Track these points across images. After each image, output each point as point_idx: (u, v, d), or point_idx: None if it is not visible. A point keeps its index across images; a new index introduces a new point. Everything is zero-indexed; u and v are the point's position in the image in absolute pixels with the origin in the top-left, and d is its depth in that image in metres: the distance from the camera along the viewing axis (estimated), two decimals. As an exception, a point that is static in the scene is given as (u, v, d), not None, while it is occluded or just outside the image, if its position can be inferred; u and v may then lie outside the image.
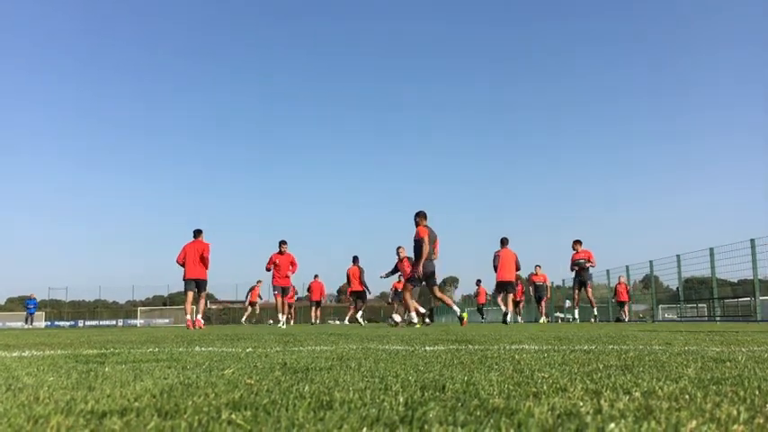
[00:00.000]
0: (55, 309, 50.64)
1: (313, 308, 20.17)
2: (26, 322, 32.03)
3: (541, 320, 19.28)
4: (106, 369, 2.07)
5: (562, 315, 29.08)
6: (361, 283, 16.39)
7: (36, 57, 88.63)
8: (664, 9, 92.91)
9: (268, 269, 13.60)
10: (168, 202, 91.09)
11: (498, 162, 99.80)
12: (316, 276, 20.66)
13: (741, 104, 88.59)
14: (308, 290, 20.76)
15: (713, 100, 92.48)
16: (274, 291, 14.04)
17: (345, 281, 17.04)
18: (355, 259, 16.52)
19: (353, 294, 16.81)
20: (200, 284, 12.36)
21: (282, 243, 13.65)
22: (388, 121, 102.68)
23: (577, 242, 15.32)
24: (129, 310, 54.89)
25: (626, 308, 21.55)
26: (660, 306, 26.57)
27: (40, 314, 43.44)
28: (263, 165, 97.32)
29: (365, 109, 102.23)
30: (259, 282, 22.73)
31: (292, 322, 21.86)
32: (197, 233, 12.60)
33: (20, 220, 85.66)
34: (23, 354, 3.02)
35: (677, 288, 20.24)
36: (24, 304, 32.88)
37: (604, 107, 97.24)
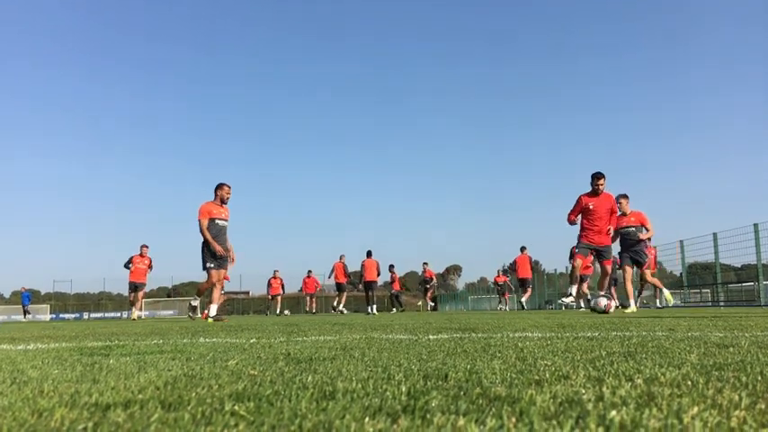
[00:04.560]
0: (60, 301, 50.77)
1: (308, 299, 23.74)
2: (24, 316, 31.98)
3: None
4: (110, 361, 2.08)
5: (566, 302, 29.01)
6: (378, 273, 18.14)
7: (35, 53, 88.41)
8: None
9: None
10: (172, 196, 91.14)
11: (502, 154, 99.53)
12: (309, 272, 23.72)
13: (745, 92, 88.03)
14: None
15: (717, 90, 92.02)
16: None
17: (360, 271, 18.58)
18: (369, 253, 18.17)
19: (367, 284, 18.24)
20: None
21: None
22: (391, 114, 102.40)
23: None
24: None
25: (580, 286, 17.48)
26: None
27: (44, 306, 43.51)
28: (263, 159, 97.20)
29: (366, 102, 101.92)
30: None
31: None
32: None
33: (24, 214, 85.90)
34: (28, 347, 3.04)
35: (681, 274, 20.21)
36: (21, 298, 32.67)
37: (608, 95, 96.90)
